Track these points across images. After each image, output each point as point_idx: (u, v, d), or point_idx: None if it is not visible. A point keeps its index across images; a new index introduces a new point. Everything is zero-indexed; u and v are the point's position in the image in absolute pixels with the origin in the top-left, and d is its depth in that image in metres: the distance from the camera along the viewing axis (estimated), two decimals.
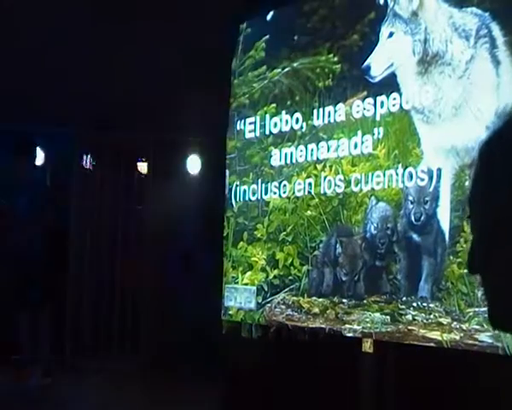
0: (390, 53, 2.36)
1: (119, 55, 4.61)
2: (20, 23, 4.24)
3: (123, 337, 5.70)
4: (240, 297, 2.91)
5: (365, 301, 2.38)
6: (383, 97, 2.37)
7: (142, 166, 6.10)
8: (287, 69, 2.78)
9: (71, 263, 5.73)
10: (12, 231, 5.09)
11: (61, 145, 6.26)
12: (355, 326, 2.40)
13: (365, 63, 2.42)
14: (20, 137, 5.49)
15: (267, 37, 2.90)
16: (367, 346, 2.37)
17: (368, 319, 2.35)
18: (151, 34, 4.26)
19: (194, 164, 6.34)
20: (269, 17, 2.93)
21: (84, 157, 6.01)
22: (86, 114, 5.47)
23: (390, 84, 2.35)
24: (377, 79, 2.40)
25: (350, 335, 2.42)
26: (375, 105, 2.40)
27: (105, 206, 6.16)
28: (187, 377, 5.32)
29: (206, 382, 4.73)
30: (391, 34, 2.36)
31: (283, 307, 2.68)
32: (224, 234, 3.05)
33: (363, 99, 2.44)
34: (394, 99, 2.33)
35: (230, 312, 2.98)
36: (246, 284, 2.88)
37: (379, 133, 2.39)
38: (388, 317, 2.29)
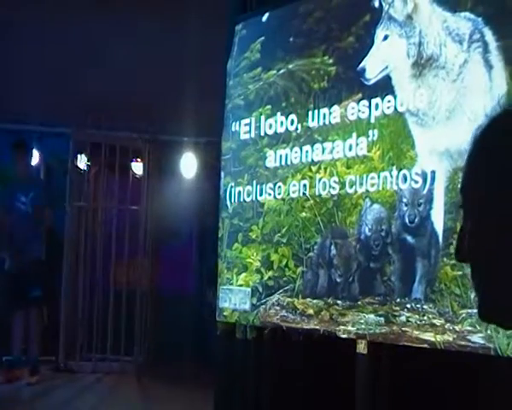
0: (385, 56, 2.37)
1: (115, 56, 4.60)
2: (16, 23, 4.23)
3: (117, 339, 5.68)
4: (234, 298, 2.91)
5: (359, 303, 2.39)
6: (378, 100, 2.38)
7: (137, 167, 6.09)
8: (282, 71, 2.79)
9: (65, 263, 5.71)
10: (6, 230, 5.09)
11: (55, 145, 6.25)
12: (349, 327, 2.40)
13: (360, 65, 2.43)
14: (17, 137, 5.51)
15: (262, 38, 2.90)
16: (361, 347, 2.38)
17: (362, 321, 2.36)
18: (147, 35, 4.26)
19: (189, 165, 6.34)
20: (264, 18, 2.93)
21: (79, 157, 5.99)
22: (81, 114, 5.46)
23: (385, 87, 2.36)
24: (372, 82, 2.41)
25: (344, 336, 2.42)
26: (369, 107, 2.41)
27: (99, 206, 6.15)
28: (181, 378, 5.31)
29: (200, 383, 4.74)
30: (386, 37, 2.37)
31: (278, 308, 2.68)
32: (219, 235, 3.04)
33: (358, 101, 2.45)
34: (389, 101, 2.34)
35: (225, 313, 2.97)
36: (240, 286, 2.87)
37: (373, 135, 2.40)
38: (382, 318, 2.30)
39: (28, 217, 4.96)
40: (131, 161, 6.05)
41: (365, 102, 2.42)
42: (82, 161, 6.02)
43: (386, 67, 2.36)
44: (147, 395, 4.93)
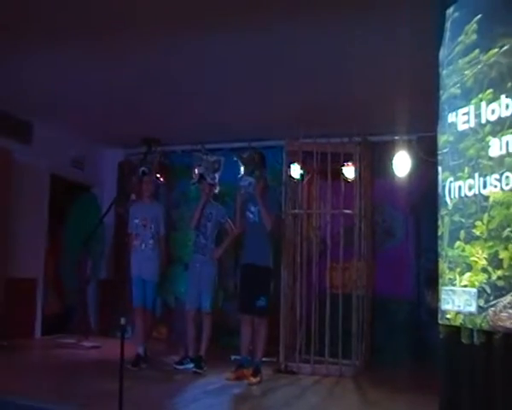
0: None
1: (320, 62, 4.67)
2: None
3: (334, 342, 5.71)
4: (458, 300, 2.71)
5: None
6: None
7: (349, 170, 6.08)
8: (505, 47, 2.52)
9: (283, 268, 5.94)
10: (242, 240, 5.48)
11: (269, 157, 6.59)
12: None
13: None
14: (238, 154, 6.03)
15: (479, 16, 2.67)
16: None
17: None
18: (351, 36, 4.22)
19: (401, 163, 6.16)
20: None
21: (292, 166, 6.21)
22: (292, 125, 5.64)
23: None
24: None
25: None
26: None
27: (313, 212, 6.29)
28: (400, 382, 5.14)
29: (421, 388, 4.52)
30: None
31: (511, 311, 2.42)
32: (439, 234, 2.88)
33: None
34: None
35: (448, 316, 2.79)
36: (465, 286, 2.67)
37: None
38: None
39: (256, 226, 5.26)
40: (343, 165, 6.07)
41: None
42: (295, 170, 6.24)
43: None
44: (365, 399, 4.86)
